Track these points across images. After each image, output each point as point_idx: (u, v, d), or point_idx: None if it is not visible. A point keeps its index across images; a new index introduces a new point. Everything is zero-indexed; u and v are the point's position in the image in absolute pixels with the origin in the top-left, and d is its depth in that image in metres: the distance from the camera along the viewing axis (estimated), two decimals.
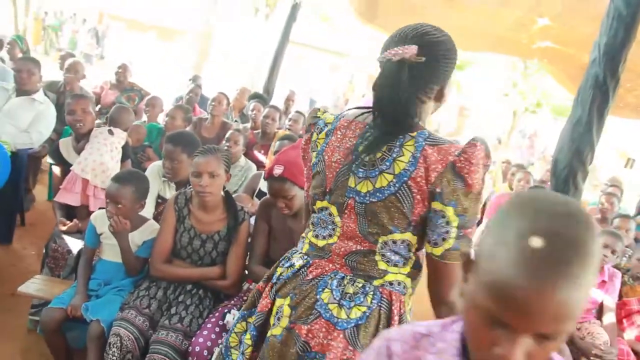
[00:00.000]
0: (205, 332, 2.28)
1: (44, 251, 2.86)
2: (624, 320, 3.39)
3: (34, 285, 2.61)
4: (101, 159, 2.83)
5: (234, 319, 2.27)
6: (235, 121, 5.93)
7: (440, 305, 1.32)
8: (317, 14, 15.63)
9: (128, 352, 2.19)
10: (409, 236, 1.32)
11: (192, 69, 8.76)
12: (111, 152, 2.91)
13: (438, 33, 1.30)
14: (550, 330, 0.70)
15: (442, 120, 16.42)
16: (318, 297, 1.35)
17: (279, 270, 1.49)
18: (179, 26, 14.54)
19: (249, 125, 5.41)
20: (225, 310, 2.37)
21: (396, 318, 1.33)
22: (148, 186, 2.54)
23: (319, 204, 1.44)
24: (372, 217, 1.32)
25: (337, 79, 16.90)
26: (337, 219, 1.39)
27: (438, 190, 1.24)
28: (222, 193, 2.54)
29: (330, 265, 1.39)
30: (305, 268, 1.42)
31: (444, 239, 1.25)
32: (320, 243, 1.43)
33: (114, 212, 2.39)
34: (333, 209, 1.40)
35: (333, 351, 1.30)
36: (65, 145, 3.14)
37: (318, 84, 16.79)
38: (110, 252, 2.58)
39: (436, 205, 1.25)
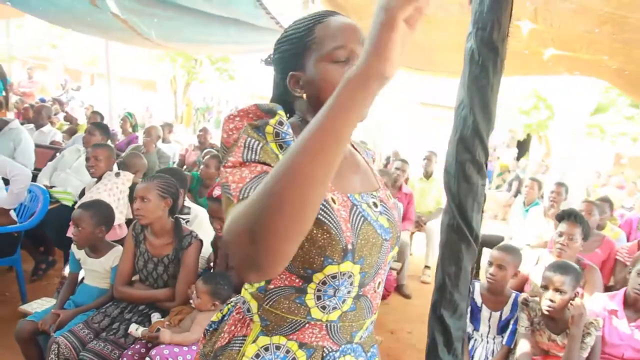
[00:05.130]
0: (137, 347, 2.41)
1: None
2: None
3: (35, 305, 2.99)
4: (99, 197, 3.19)
5: (136, 330, 2.38)
6: None
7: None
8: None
9: (65, 359, 2.37)
10: None
11: None
12: (110, 190, 3.28)
13: None
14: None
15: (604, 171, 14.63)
16: None
17: None
18: None
19: None
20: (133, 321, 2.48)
21: (225, 338, 1.15)
22: (109, 214, 2.80)
23: None
24: None
25: None
26: None
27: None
28: (172, 219, 2.68)
29: None
30: None
31: None
32: None
33: (74, 234, 2.67)
34: None
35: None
36: (88, 187, 3.61)
37: None
38: (89, 277, 2.85)
39: None
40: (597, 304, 2.85)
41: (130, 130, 6.70)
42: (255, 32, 4.71)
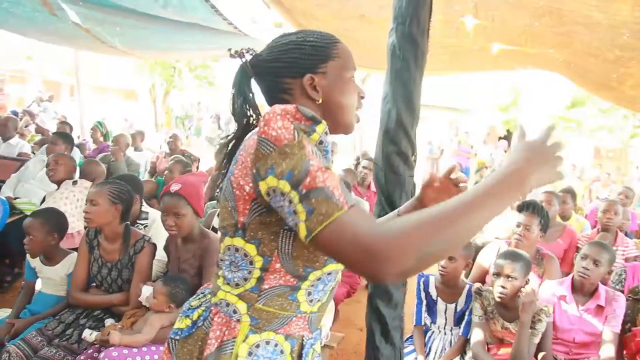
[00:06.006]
0: (90, 351, 2.42)
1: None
2: (638, 358, 2.67)
3: None
4: (55, 205, 3.20)
5: (90, 335, 2.39)
6: None
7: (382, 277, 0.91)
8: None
9: None
10: (240, 243, 1.10)
11: None
12: (67, 198, 3.29)
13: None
14: None
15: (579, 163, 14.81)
16: None
17: None
18: None
19: None
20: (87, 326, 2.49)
21: (213, 344, 1.13)
22: (61, 222, 2.81)
23: None
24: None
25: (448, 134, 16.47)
26: None
27: (254, 170, 1.01)
28: (122, 225, 2.70)
29: None
30: None
31: (295, 212, 0.94)
32: None
33: (26, 243, 2.67)
34: None
35: None
36: (49, 195, 3.61)
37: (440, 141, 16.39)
38: (45, 285, 2.85)
39: (262, 186, 0.99)
40: (547, 290, 2.90)
41: (101, 139, 6.70)
42: (219, 35, 4.73)
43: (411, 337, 2.97)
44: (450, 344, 2.87)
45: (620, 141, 14.97)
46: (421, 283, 2.97)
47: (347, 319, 4.31)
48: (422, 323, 2.94)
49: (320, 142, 1.03)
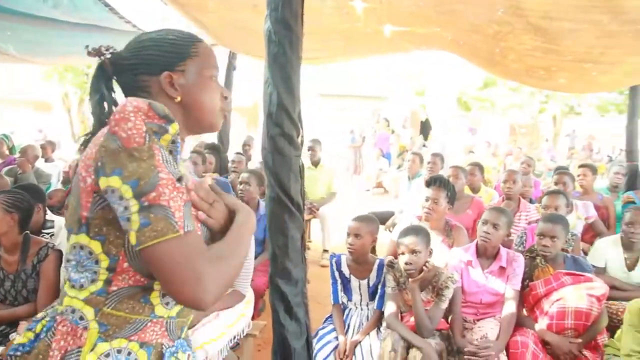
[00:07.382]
0: None
1: None
2: (536, 309, 2.90)
3: None
4: None
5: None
6: None
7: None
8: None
9: None
10: (85, 240, 1.05)
11: None
12: None
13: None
14: None
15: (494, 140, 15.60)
16: None
17: None
18: None
19: None
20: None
21: (56, 356, 1.04)
22: None
23: None
24: None
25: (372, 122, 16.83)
26: None
27: (99, 163, 0.98)
28: (22, 235, 2.61)
29: None
30: None
31: (128, 220, 0.95)
32: None
33: None
34: None
35: None
36: None
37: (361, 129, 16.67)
38: None
39: (102, 182, 0.97)
40: (454, 258, 3.07)
41: (7, 153, 6.35)
42: (121, 36, 4.60)
43: (331, 316, 3.06)
44: (368, 319, 2.97)
45: (530, 117, 15.90)
46: (333, 263, 3.06)
47: None
48: (340, 302, 3.04)
49: (173, 142, 1.03)
